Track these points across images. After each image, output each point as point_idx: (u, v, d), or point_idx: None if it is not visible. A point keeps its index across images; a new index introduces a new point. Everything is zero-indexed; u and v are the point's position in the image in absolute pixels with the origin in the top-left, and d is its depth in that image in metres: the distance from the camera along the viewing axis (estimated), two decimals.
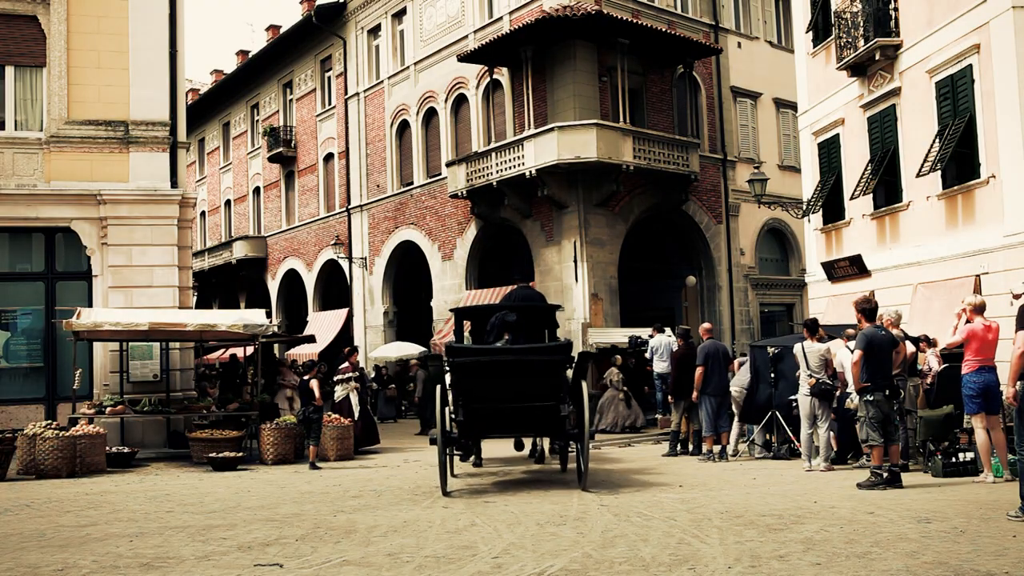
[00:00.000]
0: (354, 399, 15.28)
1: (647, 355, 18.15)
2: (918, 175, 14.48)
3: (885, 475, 9.18)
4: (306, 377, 13.99)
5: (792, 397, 12.34)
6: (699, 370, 12.74)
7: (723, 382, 12.83)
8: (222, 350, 25.01)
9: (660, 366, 17.96)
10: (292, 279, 33.80)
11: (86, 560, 6.38)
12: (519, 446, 12.70)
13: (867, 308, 9.78)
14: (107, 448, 12.89)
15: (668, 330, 18.43)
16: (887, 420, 9.47)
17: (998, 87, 13.07)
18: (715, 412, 12.74)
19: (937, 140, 14.25)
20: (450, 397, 9.80)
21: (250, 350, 17.66)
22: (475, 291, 24.40)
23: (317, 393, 13.47)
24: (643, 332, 18.98)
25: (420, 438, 17.95)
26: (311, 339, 25.25)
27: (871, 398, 9.37)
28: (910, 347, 11.11)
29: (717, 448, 12.64)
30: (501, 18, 23.69)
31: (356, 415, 15.11)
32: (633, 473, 11.33)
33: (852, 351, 9.90)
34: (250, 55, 37.84)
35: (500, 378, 9.54)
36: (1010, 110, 12.85)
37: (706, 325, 13.83)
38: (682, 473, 11.17)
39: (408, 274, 27.95)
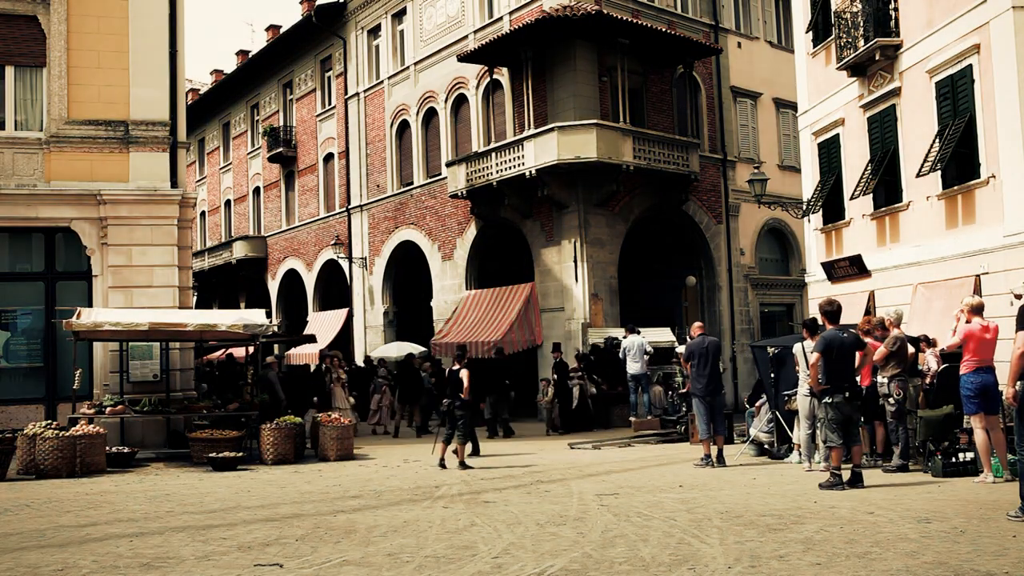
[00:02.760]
0: None
1: (620, 355, 18.18)
2: (918, 175, 14.48)
3: (845, 476, 9.23)
4: (455, 367, 13.02)
5: (786, 392, 12.36)
6: (687, 367, 12.58)
7: (712, 381, 11.97)
8: (222, 350, 25.02)
9: (633, 367, 17.95)
10: (292, 279, 33.79)
11: (86, 560, 6.38)
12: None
13: (829, 311, 9.83)
14: (107, 448, 12.88)
15: (646, 331, 18.61)
16: (848, 421, 9.52)
17: (998, 87, 13.07)
18: (708, 414, 11.87)
19: (937, 140, 14.25)
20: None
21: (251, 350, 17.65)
22: (475, 291, 24.40)
23: (467, 384, 12.60)
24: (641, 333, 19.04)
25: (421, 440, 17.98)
26: (312, 339, 25.25)
27: (830, 400, 9.41)
28: (910, 347, 11.12)
29: (715, 450, 11.89)
30: (501, 18, 23.69)
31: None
32: (633, 473, 11.34)
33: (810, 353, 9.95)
34: (250, 55, 37.83)
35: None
36: (1010, 110, 12.84)
37: (697, 324, 12.97)
38: (682, 473, 11.18)
39: (408, 274, 27.94)
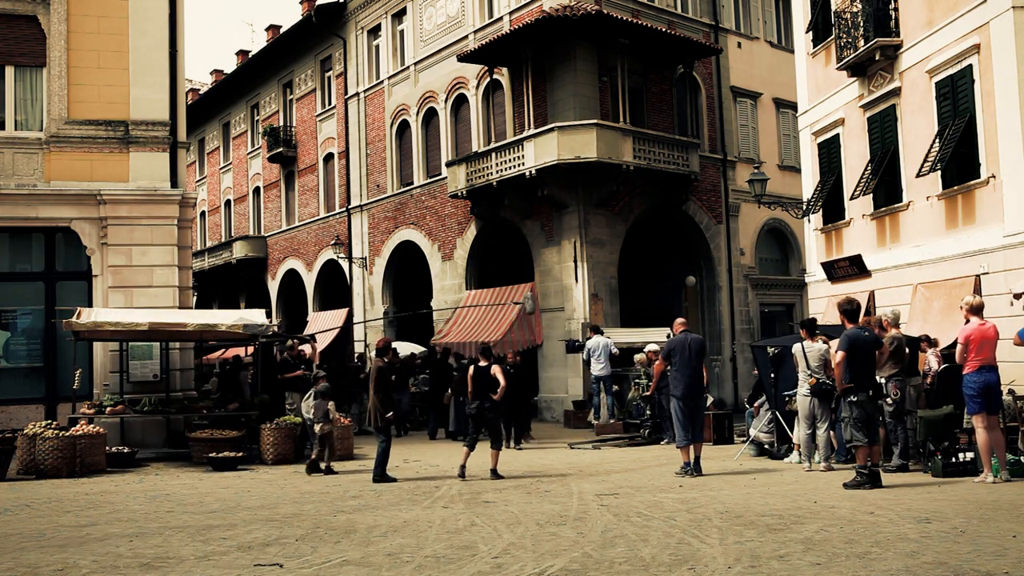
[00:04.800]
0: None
1: (584, 357, 18.03)
2: (918, 175, 14.48)
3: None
4: (483, 364, 11.44)
5: (787, 393, 12.35)
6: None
7: (695, 383, 10.84)
8: (222, 350, 25.00)
9: (597, 367, 17.76)
10: (292, 279, 33.80)
11: (86, 560, 6.38)
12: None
13: (849, 309, 9.82)
14: (107, 448, 12.88)
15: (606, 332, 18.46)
16: (871, 420, 9.49)
17: (998, 87, 13.07)
18: (688, 418, 10.74)
19: (937, 140, 14.25)
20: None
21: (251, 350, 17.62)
22: (475, 291, 24.40)
23: (503, 382, 11.21)
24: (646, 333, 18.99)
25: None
26: (311, 339, 25.21)
27: (855, 399, 9.40)
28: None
29: (693, 455, 10.78)
30: (501, 18, 23.68)
31: None
32: (633, 473, 11.34)
33: (835, 352, 9.90)
34: (250, 55, 37.85)
35: None
36: (1010, 110, 12.84)
37: (680, 320, 11.61)
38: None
39: (408, 274, 27.94)
